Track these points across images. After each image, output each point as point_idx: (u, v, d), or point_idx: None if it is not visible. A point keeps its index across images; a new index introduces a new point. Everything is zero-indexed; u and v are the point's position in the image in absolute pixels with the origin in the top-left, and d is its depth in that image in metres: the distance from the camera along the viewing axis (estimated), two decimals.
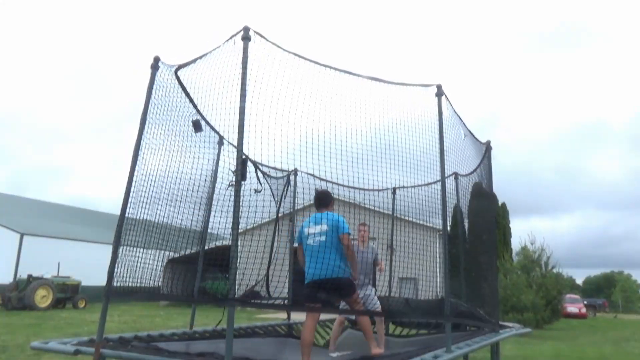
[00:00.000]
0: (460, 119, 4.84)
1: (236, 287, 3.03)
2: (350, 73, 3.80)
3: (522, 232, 48.66)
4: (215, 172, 4.88)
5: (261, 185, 5.13)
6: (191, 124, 4.20)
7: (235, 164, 3.22)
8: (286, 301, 5.99)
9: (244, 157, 3.24)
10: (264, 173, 5.45)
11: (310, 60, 3.64)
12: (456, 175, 5.39)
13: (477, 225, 6.24)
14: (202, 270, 5.11)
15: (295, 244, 4.13)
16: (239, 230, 3.10)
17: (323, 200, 4.25)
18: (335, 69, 3.75)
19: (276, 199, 5.89)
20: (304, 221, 4.19)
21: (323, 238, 3.96)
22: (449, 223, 4.20)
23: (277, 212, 5.92)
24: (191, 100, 4.25)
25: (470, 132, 5.27)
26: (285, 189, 6.05)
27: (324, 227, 3.99)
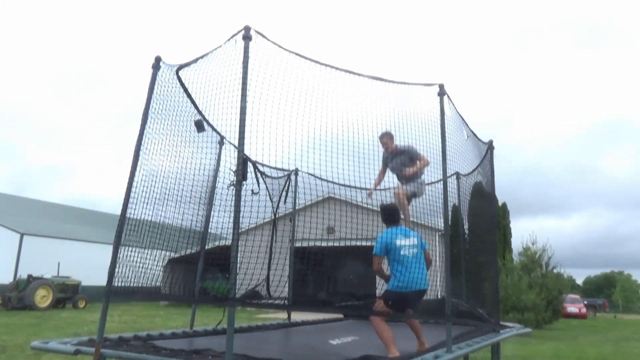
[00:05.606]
0: (463, 118, 4.83)
1: (236, 287, 3.02)
2: (351, 72, 3.79)
3: (530, 231, 48.60)
4: (216, 172, 4.87)
5: (259, 186, 5.10)
6: (193, 124, 4.20)
7: (236, 163, 3.21)
8: (286, 301, 5.98)
9: (244, 157, 3.24)
10: (262, 173, 5.44)
11: (312, 60, 3.63)
12: (458, 175, 5.38)
13: (478, 225, 6.24)
14: (203, 270, 5.11)
15: (378, 253, 4.19)
16: (240, 230, 3.10)
17: (395, 216, 4.47)
18: (337, 68, 3.73)
19: (273, 199, 5.87)
20: (386, 232, 4.28)
21: (416, 251, 4.24)
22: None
23: (275, 212, 5.91)
24: (192, 101, 4.24)
25: (472, 132, 5.25)
26: (286, 189, 6.04)
27: (415, 241, 4.27)
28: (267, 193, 5.60)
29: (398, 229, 4.31)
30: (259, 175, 5.25)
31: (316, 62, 3.63)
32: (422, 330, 4.35)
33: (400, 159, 5.00)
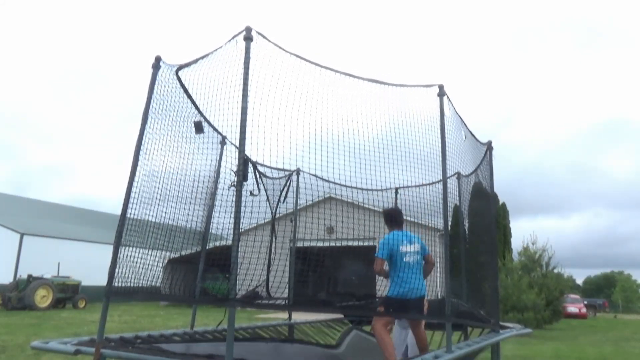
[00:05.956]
0: (462, 119, 4.84)
1: (237, 288, 3.02)
2: (350, 75, 3.78)
3: (530, 231, 48.71)
4: (217, 172, 4.87)
5: (259, 188, 5.09)
6: (193, 124, 4.20)
7: (237, 164, 3.21)
8: (287, 301, 5.98)
9: (245, 157, 3.24)
10: (261, 173, 5.43)
11: (311, 62, 3.63)
12: (458, 175, 5.38)
13: (478, 225, 6.24)
14: (203, 270, 5.10)
15: (380, 256, 4.20)
16: (240, 230, 3.10)
17: (400, 219, 4.48)
18: (336, 71, 3.73)
19: (272, 199, 5.87)
20: (391, 236, 4.28)
21: (418, 257, 4.26)
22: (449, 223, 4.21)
23: (274, 213, 5.91)
24: (192, 101, 4.24)
25: (471, 132, 5.26)
26: (287, 188, 6.03)
27: (418, 247, 4.30)
28: (266, 194, 5.60)
29: (402, 234, 4.30)
30: (259, 176, 5.25)
31: (316, 64, 3.63)
32: (427, 350, 4.34)
33: None
